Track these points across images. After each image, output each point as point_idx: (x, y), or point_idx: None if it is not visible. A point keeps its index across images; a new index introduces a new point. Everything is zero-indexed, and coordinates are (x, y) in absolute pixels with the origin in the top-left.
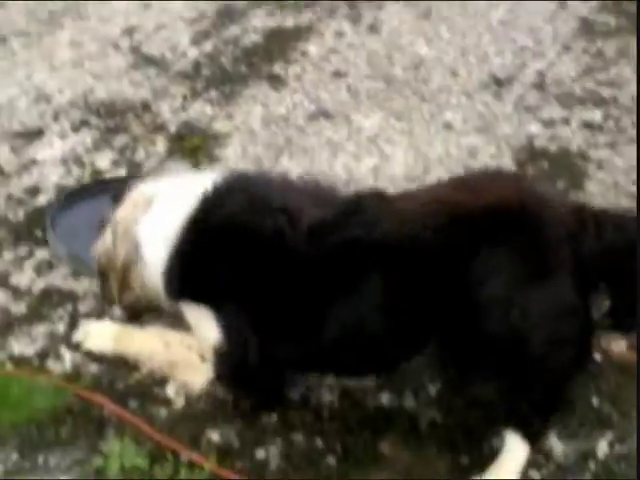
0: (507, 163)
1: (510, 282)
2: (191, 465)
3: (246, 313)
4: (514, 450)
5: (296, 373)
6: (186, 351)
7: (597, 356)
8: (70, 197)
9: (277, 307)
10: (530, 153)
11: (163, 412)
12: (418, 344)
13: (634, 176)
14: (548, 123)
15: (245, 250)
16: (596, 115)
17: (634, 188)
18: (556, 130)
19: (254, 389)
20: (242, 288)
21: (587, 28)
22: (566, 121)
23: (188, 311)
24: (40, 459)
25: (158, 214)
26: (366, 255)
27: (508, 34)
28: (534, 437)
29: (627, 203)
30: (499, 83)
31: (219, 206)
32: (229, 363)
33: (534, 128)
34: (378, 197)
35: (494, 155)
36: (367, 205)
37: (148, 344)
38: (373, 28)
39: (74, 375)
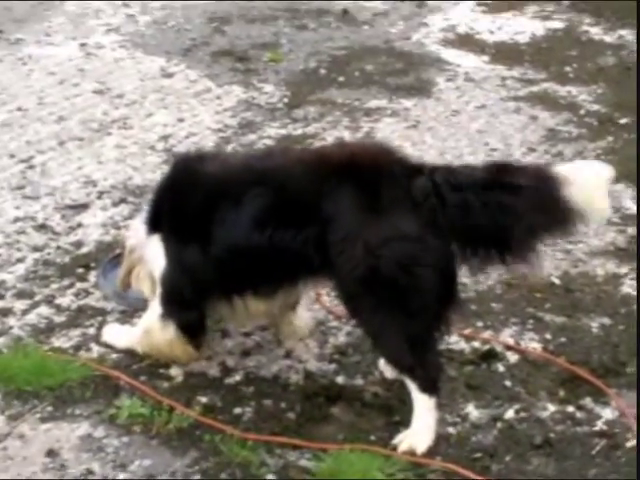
0: None
1: (351, 218)
2: (181, 415)
3: (176, 241)
4: (420, 404)
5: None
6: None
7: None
8: (117, 256)
9: (192, 230)
10: None
11: (165, 384)
12: (294, 264)
13: None
14: None
15: (175, 194)
16: None
17: None
18: None
19: (182, 310)
20: (172, 220)
21: (552, 136)
22: None
23: (152, 249)
24: (68, 410)
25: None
26: (253, 178)
27: (483, 140)
28: (428, 384)
29: None
30: None
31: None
32: (167, 284)
33: None
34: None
35: None
36: (274, 151)
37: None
38: (368, 135)
39: (99, 360)
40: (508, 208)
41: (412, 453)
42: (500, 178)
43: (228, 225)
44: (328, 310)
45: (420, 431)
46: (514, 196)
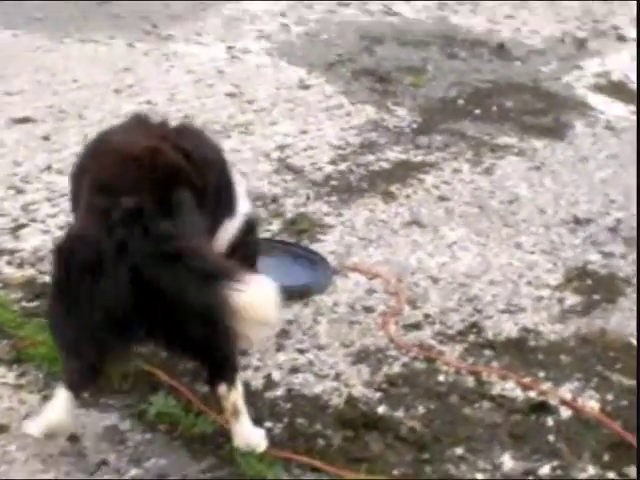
0: (557, 277)
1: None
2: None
3: None
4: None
5: None
6: None
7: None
8: None
9: None
10: (581, 272)
11: (205, 388)
12: None
13: None
14: (607, 255)
15: None
16: None
17: None
18: (612, 261)
19: None
20: None
21: None
22: (624, 256)
23: None
24: (102, 400)
25: None
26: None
27: (604, 190)
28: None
29: None
30: (578, 222)
31: None
32: None
33: (593, 257)
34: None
35: (548, 270)
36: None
37: None
38: (487, 171)
39: (149, 356)
40: None
41: None
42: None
43: None
44: (390, 338)
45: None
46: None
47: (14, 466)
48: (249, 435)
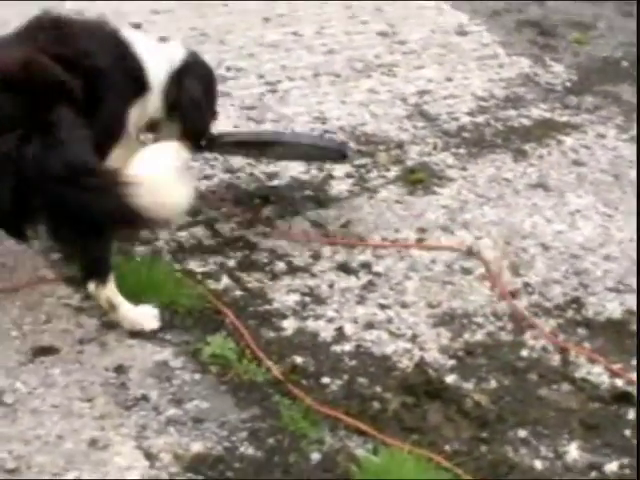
0: None
1: None
2: (267, 370)
3: None
4: None
5: None
6: None
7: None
8: None
9: None
10: None
11: (271, 334)
12: None
13: None
14: None
15: None
16: None
17: None
18: None
19: None
20: None
21: None
22: None
23: None
24: (160, 334)
25: None
26: None
27: None
28: None
29: None
30: None
31: None
32: None
33: None
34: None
35: None
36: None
37: None
38: (634, 139)
39: (222, 292)
40: None
41: None
42: None
43: None
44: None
45: None
46: None
47: (52, 390)
48: (134, 317)
